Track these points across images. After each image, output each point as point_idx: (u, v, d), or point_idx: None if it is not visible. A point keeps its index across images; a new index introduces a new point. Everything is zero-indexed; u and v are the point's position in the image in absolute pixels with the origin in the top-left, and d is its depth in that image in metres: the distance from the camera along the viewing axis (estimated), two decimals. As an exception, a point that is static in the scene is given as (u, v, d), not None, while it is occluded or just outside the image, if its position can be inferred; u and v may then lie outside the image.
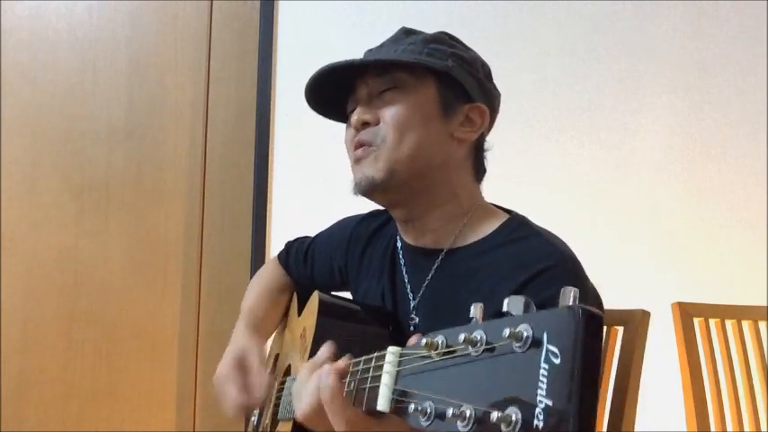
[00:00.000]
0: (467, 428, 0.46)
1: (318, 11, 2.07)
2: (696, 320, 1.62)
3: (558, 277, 0.91)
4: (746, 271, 2.05)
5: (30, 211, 2.04)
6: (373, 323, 1.08)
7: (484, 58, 1.09)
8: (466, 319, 0.92)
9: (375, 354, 0.67)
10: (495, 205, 1.08)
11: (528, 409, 0.42)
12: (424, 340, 0.54)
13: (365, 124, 1.00)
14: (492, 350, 0.47)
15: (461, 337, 0.50)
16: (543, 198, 2.03)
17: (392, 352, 0.62)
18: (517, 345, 0.45)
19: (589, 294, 0.95)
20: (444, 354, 0.52)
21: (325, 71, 1.02)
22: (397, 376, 0.60)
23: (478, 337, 0.49)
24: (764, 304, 1.77)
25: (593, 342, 0.41)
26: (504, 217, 1.03)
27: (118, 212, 2.07)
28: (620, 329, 1.20)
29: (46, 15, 2.09)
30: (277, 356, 1.33)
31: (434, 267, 1.02)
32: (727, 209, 2.09)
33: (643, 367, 1.16)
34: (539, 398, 0.41)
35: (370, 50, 1.07)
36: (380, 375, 0.62)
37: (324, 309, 1.05)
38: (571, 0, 2.11)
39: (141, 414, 2.02)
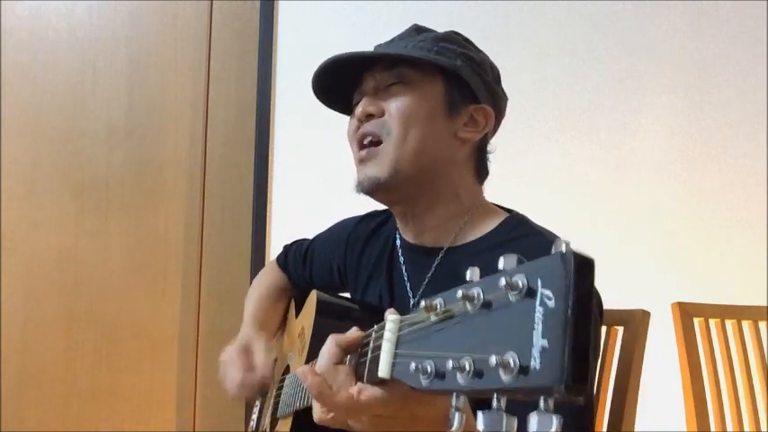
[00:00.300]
0: (466, 380, 0.47)
1: (318, 11, 2.07)
2: (696, 320, 1.62)
3: None
4: (746, 271, 2.05)
5: (30, 211, 2.04)
6: (371, 321, 1.09)
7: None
8: None
9: (374, 327, 0.68)
10: (496, 205, 1.08)
11: (525, 351, 0.42)
12: (422, 303, 0.55)
13: (369, 116, 1.00)
14: (489, 304, 0.48)
15: (459, 294, 0.50)
16: (543, 198, 2.03)
17: (392, 320, 0.62)
18: (513, 293, 0.45)
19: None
20: (443, 315, 0.53)
21: (334, 61, 1.02)
22: (398, 342, 0.61)
23: (475, 293, 0.49)
24: (764, 304, 1.77)
25: (584, 284, 0.43)
26: (504, 216, 1.04)
27: (118, 212, 2.07)
28: (620, 329, 1.20)
29: (46, 15, 2.09)
30: (275, 361, 1.33)
31: (434, 266, 1.03)
32: (727, 209, 2.09)
33: (643, 367, 1.16)
34: (534, 340, 0.42)
35: (380, 45, 1.07)
36: (380, 345, 0.63)
37: (321, 307, 1.06)
38: (571, 0, 2.11)
39: (141, 414, 2.02)
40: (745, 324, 1.66)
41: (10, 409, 1.98)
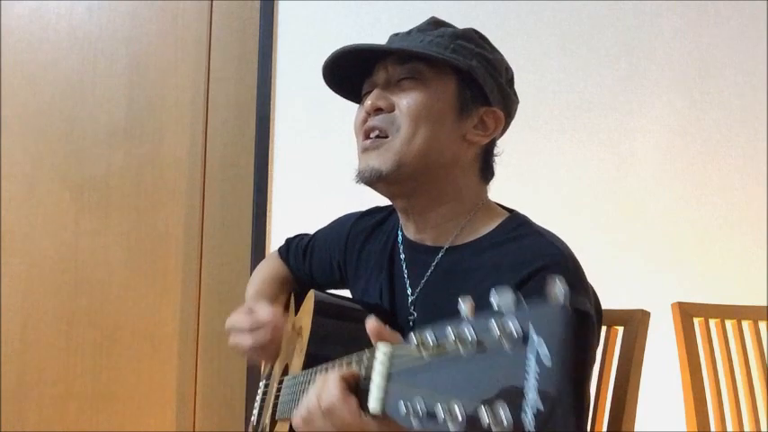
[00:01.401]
0: (456, 426, 0.46)
1: (318, 11, 2.07)
2: (696, 320, 1.62)
3: (554, 275, 0.90)
4: (746, 271, 2.05)
5: (30, 211, 2.04)
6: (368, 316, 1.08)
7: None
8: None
9: (366, 352, 0.66)
10: (499, 205, 1.08)
11: (516, 404, 0.42)
12: (414, 338, 0.54)
13: (378, 110, 0.99)
14: (481, 346, 0.47)
15: (451, 334, 0.50)
16: (543, 198, 2.03)
17: (383, 352, 0.61)
18: (505, 340, 0.45)
19: (588, 294, 0.94)
20: (435, 352, 0.52)
21: (350, 51, 1.00)
22: (389, 376, 0.60)
23: (467, 333, 0.49)
24: (764, 304, 1.77)
25: (582, 338, 0.42)
26: (505, 216, 1.03)
27: (118, 212, 2.07)
28: (620, 329, 1.20)
29: (46, 15, 2.09)
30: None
31: (434, 264, 1.02)
32: (727, 209, 2.09)
33: (643, 367, 1.16)
34: (527, 393, 0.42)
35: (396, 35, 1.05)
36: (371, 375, 0.62)
37: (319, 308, 1.05)
38: (571, 0, 2.11)
39: (141, 414, 2.02)
40: (745, 324, 1.66)
41: (10, 409, 1.98)
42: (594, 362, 1.11)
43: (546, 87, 2.08)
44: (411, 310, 1.04)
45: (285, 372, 1.18)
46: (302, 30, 2.07)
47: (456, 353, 0.49)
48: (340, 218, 1.30)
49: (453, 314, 0.94)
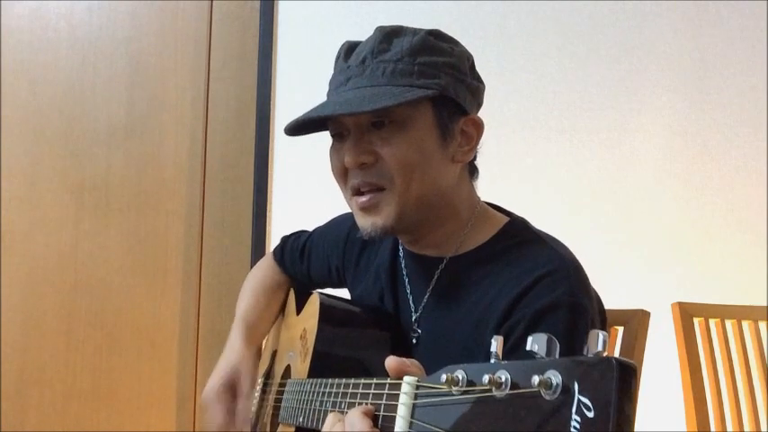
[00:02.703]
0: None
1: (318, 11, 2.07)
2: (696, 320, 1.62)
3: (559, 282, 0.90)
4: (746, 271, 2.05)
5: (30, 211, 2.04)
6: (374, 327, 1.08)
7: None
8: (468, 332, 0.92)
9: (389, 380, 0.65)
10: (492, 205, 1.07)
11: None
12: (443, 376, 0.52)
13: (362, 164, 0.95)
14: (517, 393, 0.46)
15: (485, 377, 0.48)
16: (543, 198, 2.03)
17: (408, 382, 0.60)
18: (546, 392, 0.43)
19: (592, 300, 0.94)
20: (465, 391, 0.50)
21: (309, 118, 0.95)
22: (413, 408, 0.58)
23: (503, 379, 0.47)
24: (764, 304, 1.77)
25: (628, 395, 0.40)
26: (503, 220, 1.02)
27: (118, 212, 2.07)
28: (620, 329, 1.20)
29: (46, 15, 2.09)
30: (275, 353, 1.32)
31: (436, 276, 1.02)
32: (727, 209, 2.09)
33: (643, 367, 1.16)
34: None
35: (346, 64, 0.97)
36: (395, 405, 0.60)
37: (325, 311, 1.04)
38: (571, 0, 2.11)
39: (141, 414, 2.02)
40: (745, 324, 1.66)
41: (10, 409, 1.98)
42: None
43: (546, 87, 2.08)
44: (415, 328, 1.03)
45: (287, 373, 1.18)
46: (302, 30, 2.07)
47: (488, 395, 0.48)
48: (337, 218, 1.29)
49: (458, 329, 0.94)
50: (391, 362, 0.65)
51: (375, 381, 0.68)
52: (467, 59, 0.99)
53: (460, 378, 0.51)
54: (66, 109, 2.08)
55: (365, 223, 0.97)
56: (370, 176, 0.95)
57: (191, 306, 2.06)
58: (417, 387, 0.59)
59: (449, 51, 0.97)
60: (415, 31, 0.97)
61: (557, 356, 0.46)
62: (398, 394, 0.60)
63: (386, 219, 0.95)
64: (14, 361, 2.00)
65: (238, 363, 1.20)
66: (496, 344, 0.51)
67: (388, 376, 0.66)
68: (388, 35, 0.96)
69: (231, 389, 1.17)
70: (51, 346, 2.02)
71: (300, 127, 1.01)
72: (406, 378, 0.61)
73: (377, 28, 0.98)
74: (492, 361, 0.51)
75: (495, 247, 0.98)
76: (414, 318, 1.03)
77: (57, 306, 2.03)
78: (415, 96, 0.91)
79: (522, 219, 1.04)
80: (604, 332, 0.43)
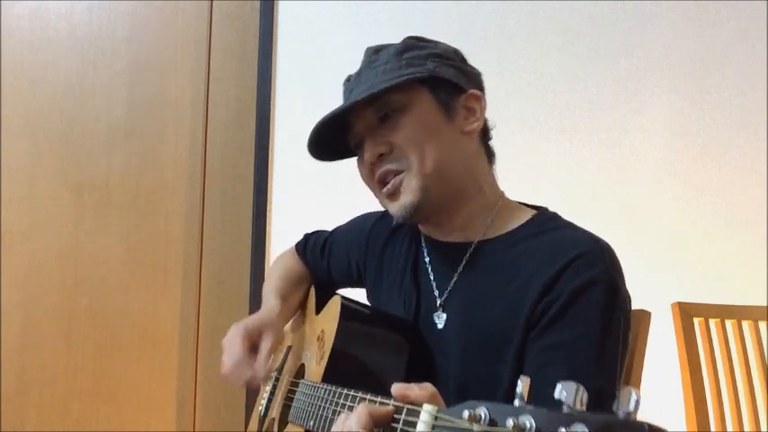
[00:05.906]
0: None
1: (318, 11, 2.07)
2: (696, 320, 1.62)
3: (593, 262, 0.93)
4: (746, 271, 2.05)
5: (30, 211, 2.04)
6: (394, 337, 1.07)
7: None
8: (501, 310, 0.93)
9: (407, 406, 0.65)
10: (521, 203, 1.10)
11: None
12: (466, 412, 0.52)
13: (381, 155, 1.01)
14: None
15: (509, 421, 0.47)
16: (543, 198, 2.02)
17: (428, 411, 0.59)
18: None
19: (624, 282, 0.99)
20: (486, 431, 0.50)
21: (323, 123, 1.02)
22: None
23: (527, 426, 0.46)
24: (764, 304, 1.77)
25: None
26: (532, 211, 1.06)
27: (118, 212, 2.07)
28: (621, 329, 1.19)
29: (46, 15, 2.09)
30: (289, 348, 1.32)
31: (465, 259, 1.03)
32: (727, 209, 2.09)
33: (643, 367, 1.16)
34: None
35: (349, 80, 1.07)
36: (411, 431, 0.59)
37: (345, 315, 1.03)
38: (571, 0, 2.11)
39: (141, 414, 2.02)
40: (745, 324, 1.66)
41: (10, 409, 1.98)
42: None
43: (546, 87, 2.08)
44: (440, 312, 1.04)
45: (300, 372, 1.17)
46: (302, 30, 2.07)
47: None
48: (358, 217, 1.30)
49: (489, 308, 0.95)
50: (396, 389, 0.67)
51: (393, 403, 0.67)
52: (453, 52, 1.07)
53: (482, 416, 0.50)
54: (66, 109, 2.08)
55: (395, 208, 1.02)
56: (389, 164, 1.01)
57: (191, 306, 2.06)
58: (436, 418, 0.58)
59: (432, 46, 1.05)
60: (399, 42, 1.06)
61: (584, 407, 0.45)
62: (416, 422, 0.60)
63: (412, 195, 0.99)
64: (14, 361, 2.00)
65: (268, 318, 1.20)
66: (522, 385, 0.50)
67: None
68: (375, 50, 1.06)
69: (252, 339, 1.16)
70: (51, 346, 2.02)
71: (324, 149, 1.09)
72: (425, 406, 0.60)
73: (366, 48, 1.07)
74: (516, 403, 0.50)
75: (528, 231, 1.01)
76: (438, 303, 1.04)
77: (57, 306, 2.03)
78: (403, 79, 0.99)
79: (554, 211, 1.08)
80: (638, 393, 0.42)
